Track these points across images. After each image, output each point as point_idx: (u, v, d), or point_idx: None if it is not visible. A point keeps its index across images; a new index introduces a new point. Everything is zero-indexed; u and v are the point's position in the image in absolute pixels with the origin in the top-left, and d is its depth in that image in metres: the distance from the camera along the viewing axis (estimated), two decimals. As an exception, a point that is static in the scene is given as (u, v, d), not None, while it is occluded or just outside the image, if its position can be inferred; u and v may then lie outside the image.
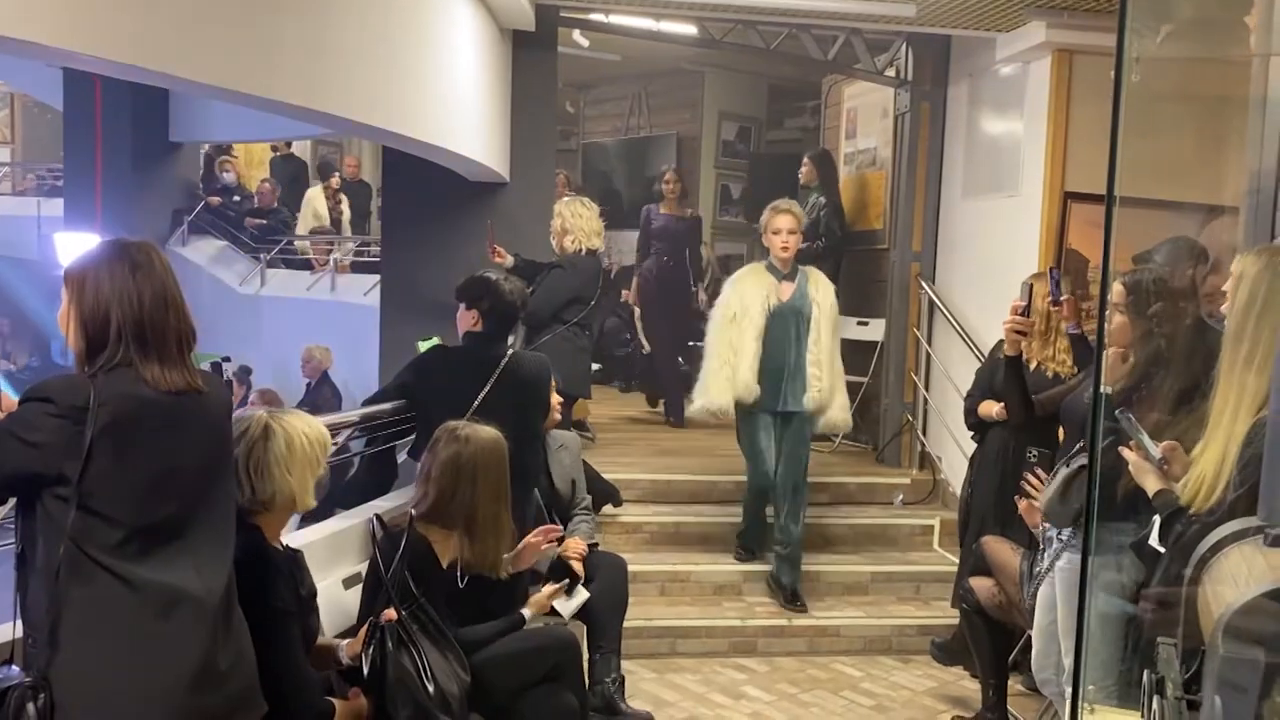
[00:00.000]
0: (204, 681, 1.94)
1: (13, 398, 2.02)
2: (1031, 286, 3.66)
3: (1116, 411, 2.53)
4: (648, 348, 7.46)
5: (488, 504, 2.91)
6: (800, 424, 4.78)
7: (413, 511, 2.94)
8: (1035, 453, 3.89)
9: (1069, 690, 3.14)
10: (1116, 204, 1.98)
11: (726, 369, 4.68)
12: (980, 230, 5.70)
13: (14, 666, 1.90)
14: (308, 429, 2.42)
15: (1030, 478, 3.78)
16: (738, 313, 4.71)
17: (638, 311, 7.57)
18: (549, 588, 3.34)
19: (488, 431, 2.99)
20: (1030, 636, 3.74)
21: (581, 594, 3.54)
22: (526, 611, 3.17)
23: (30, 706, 1.81)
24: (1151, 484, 2.42)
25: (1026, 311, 3.60)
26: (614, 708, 3.57)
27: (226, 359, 7.45)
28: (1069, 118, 4.96)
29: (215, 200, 11.47)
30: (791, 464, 4.78)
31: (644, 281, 7.28)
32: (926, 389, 6.09)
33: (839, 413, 4.85)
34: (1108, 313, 3.98)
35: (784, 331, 4.70)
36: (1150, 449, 2.45)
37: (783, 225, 4.72)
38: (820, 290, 4.77)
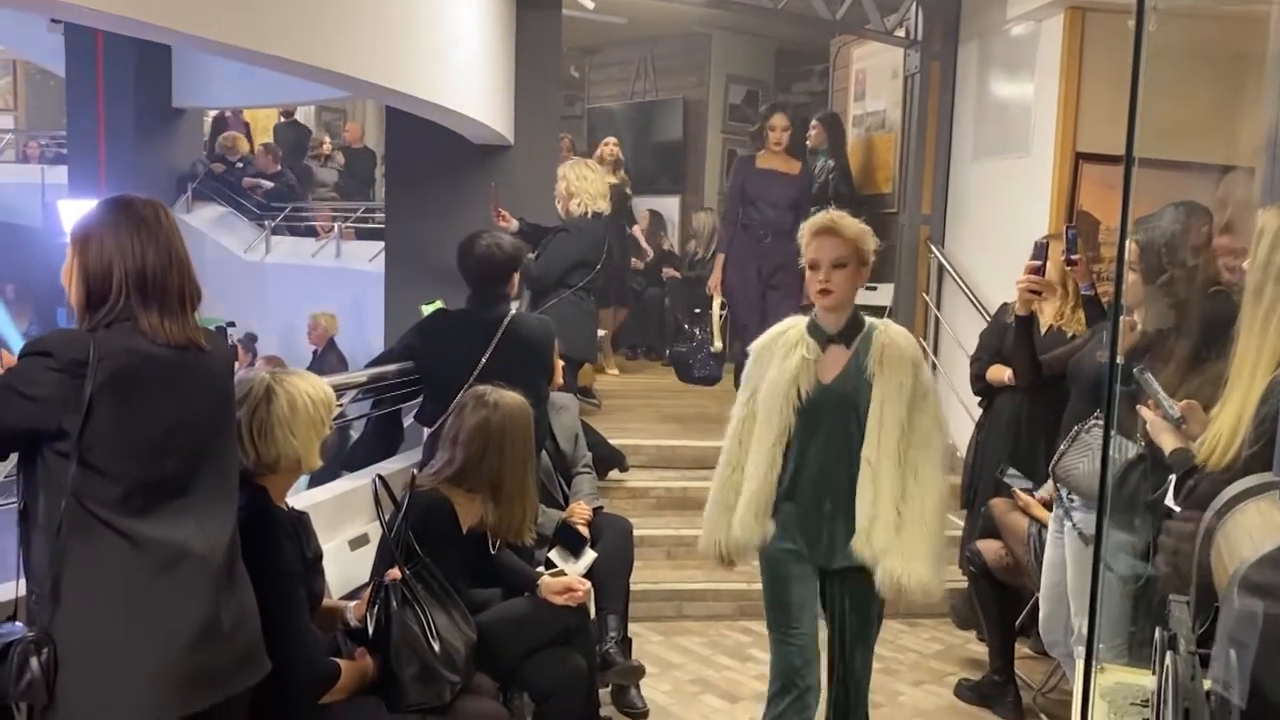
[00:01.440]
0: (207, 638, 1.93)
1: (14, 356, 2.00)
2: (1047, 246, 3.61)
3: (1134, 370, 2.50)
4: (719, 345, 5.96)
5: (514, 470, 2.90)
6: (859, 588, 2.80)
7: (415, 471, 2.91)
8: (1010, 470, 3.88)
9: (1078, 651, 3.14)
10: (1136, 164, 1.92)
11: (728, 492, 2.92)
12: (990, 192, 5.64)
13: (17, 623, 1.89)
14: (311, 389, 2.39)
15: (1019, 494, 3.76)
16: (753, 398, 2.92)
17: (718, 303, 5.91)
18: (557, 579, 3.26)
19: (514, 397, 2.96)
20: (1038, 600, 3.74)
21: (589, 555, 3.53)
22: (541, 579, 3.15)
23: (34, 661, 1.80)
24: (1169, 442, 2.39)
25: (1041, 271, 3.55)
26: (609, 661, 3.55)
27: (231, 324, 7.48)
28: (1081, 77, 4.88)
29: (219, 167, 11.42)
30: (848, 658, 2.86)
31: (734, 265, 5.70)
32: (935, 354, 6.05)
33: (922, 568, 2.71)
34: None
35: (827, 433, 2.81)
36: (1168, 407, 2.42)
37: (824, 255, 2.79)
38: (889, 362, 2.78)
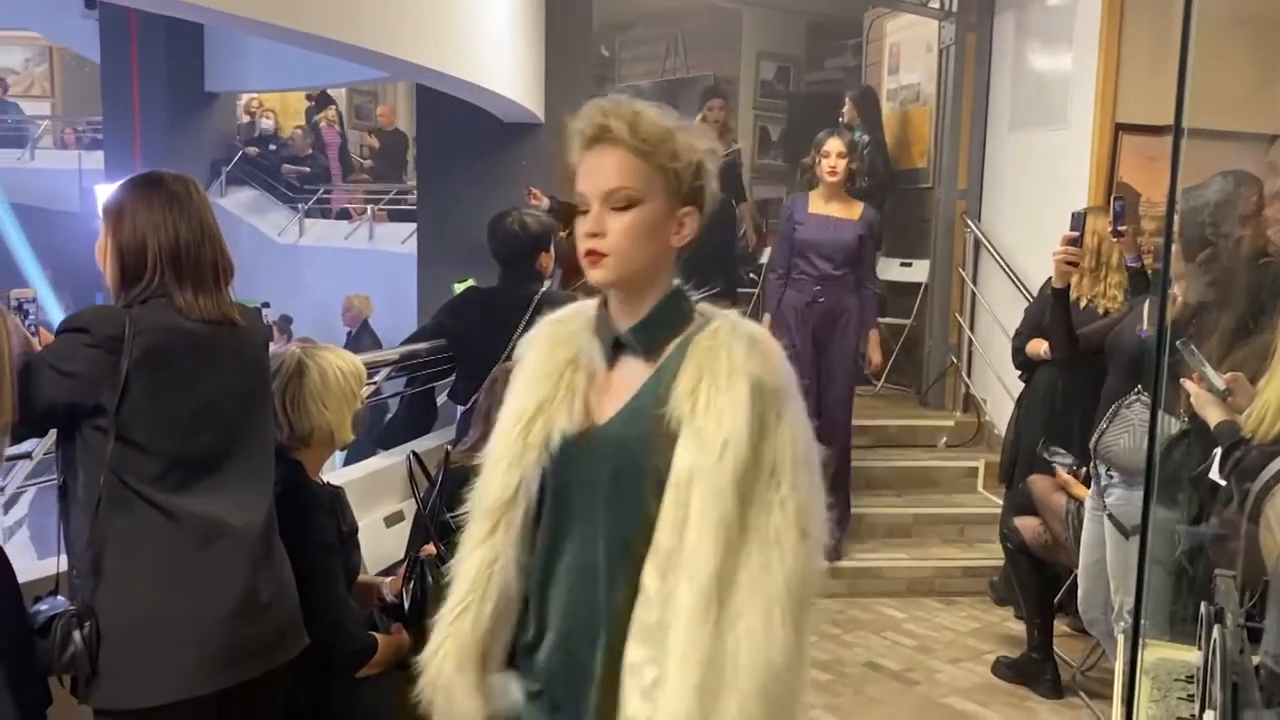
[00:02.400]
0: (245, 612, 1.94)
1: (52, 335, 2.02)
2: (1085, 216, 3.54)
3: (1178, 342, 2.44)
4: None
5: None
6: None
7: (449, 448, 2.91)
8: (1052, 447, 3.82)
9: (1118, 628, 3.10)
10: (1185, 135, 1.86)
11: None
12: (1028, 165, 5.55)
13: (59, 597, 1.91)
14: (341, 362, 2.40)
15: (1060, 471, 3.70)
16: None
17: None
18: None
19: None
20: (1076, 577, 3.70)
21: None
22: None
23: (76, 634, 1.82)
24: (1214, 415, 2.34)
25: (1078, 242, 3.48)
26: None
27: (266, 305, 7.52)
28: (1121, 45, 4.78)
29: (253, 150, 11.50)
30: None
31: (782, 328, 4.54)
32: (972, 330, 5.98)
33: None
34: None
35: (593, 517, 1.49)
36: (1213, 380, 2.37)
37: (595, 184, 1.52)
38: (713, 394, 1.42)
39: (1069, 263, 3.46)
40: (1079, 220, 3.48)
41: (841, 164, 4.58)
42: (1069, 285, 3.58)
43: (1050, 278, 4.15)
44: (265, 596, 1.99)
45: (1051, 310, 3.62)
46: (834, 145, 4.61)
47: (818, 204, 4.65)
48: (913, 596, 4.72)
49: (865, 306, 4.69)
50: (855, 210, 4.68)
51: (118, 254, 1.94)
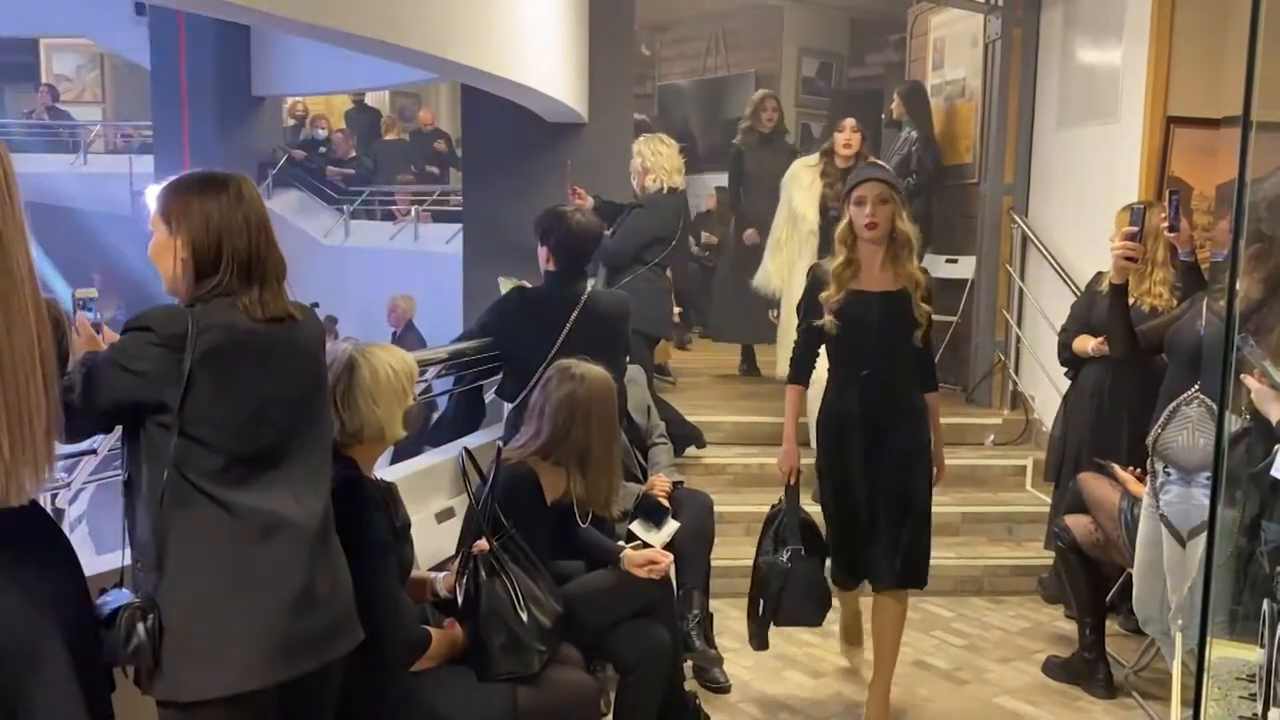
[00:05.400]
0: (304, 605, 1.97)
1: (114, 334, 2.05)
2: (1145, 210, 3.47)
3: (1238, 338, 2.40)
4: None
5: (601, 442, 2.91)
6: None
7: (500, 444, 2.94)
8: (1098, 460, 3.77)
9: (1174, 627, 3.05)
10: (1253, 128, 1.80)
11: None
12: (1076, 160, 5.48)
13: (124, 589, 1.95)
14: (393, 360, 2.43)
15: (1116, 468, 3.65)
16: None
17: None
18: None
19: (599, 370, 2.98)
20: (1129, 576, 3.65)
21: (671, 525, 3.52)
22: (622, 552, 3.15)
23: (140, 627, 1.85)
24: (1276, 411, 2.30)
25: (1138, 237, 3.40)
26: (689, 644, 3.55)
27: (315, 305, 7.62)
28: (1173, 37, 4.70)
29: (299, 153, 11.64)
30: None
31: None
32: (1019, 327, 5.92)
33: None
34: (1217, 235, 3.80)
35: None
36: (1274, 375, 2.33)
37: None
38: None
39: (1128, 258, 3.38)
40: (1139, 215, 3.41)
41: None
42: (1128, 282, 3.50)
43: (1099, 273, 4.12)
44: (323, 590, 2.02)
45: (1111, 307, 3.53)
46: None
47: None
48: (961, 595, 4.68)
49: None
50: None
51: (189, 253, 1.95)
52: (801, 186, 5.47)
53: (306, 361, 2.08)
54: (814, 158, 5.57)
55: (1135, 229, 3.36)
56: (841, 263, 3.24)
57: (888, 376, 3.28)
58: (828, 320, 3.25)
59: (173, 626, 1.88)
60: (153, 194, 2.06)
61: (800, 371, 3.43)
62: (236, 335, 1.94)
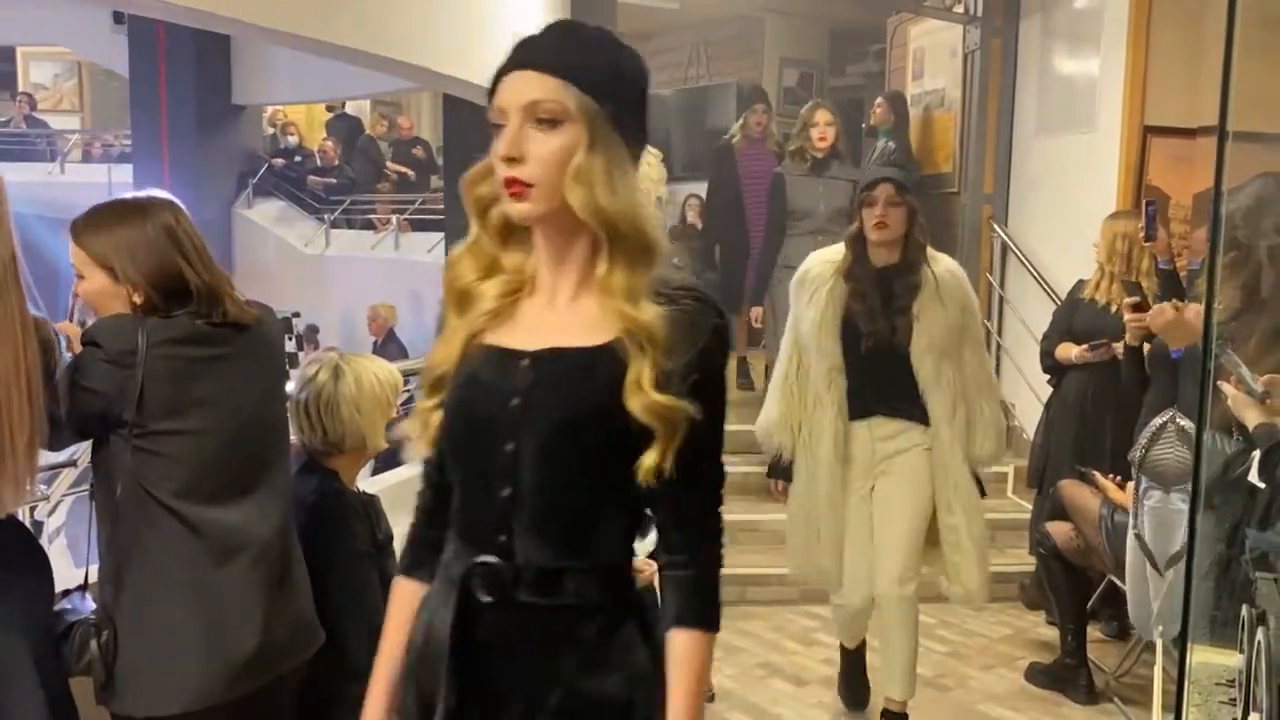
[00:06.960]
0: (265, 623, 1.94)
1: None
2: (1155, 213, 3.53)
3: (1214, 345, 2.42)
4: None
5: None
6: None
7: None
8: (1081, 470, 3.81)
9: (1155, 633, 3.08)
10: (1229, 139, 1.83)
11: None
12: (1055, 169, 5.53)
13: (86, 598, 1.93)
14: (378, 370, 2.41)
15: (1097, 475, 3.68)
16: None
17: None
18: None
19: None
20: (1110, 582, 3.67)
21: (655, 533, 3.51)
22: None
23: (93, 643, 1.84)
24: (1252, 417, 2.33)
25: (1151, 234, 3.49)
26: None
27: (296, 314, 7.60)
28: (1149, 47, 4.76)
29: (279, 162, 11.60)
30: None
31: None
32: (1000, 335, 5.95)
33: None
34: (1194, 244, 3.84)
35: None
36: (1250, 382, 2.36)
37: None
38: None
39: (1140, 326, 3.43)
40: (1152, 216, 3.49)
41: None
42: (1144, 343, 3.55)
43: (1080, 281, 4.17)
44: (284, 605, 2.00)
45: (1125, 366, 3.64)
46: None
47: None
48: (944, 603, 4.66)
49: None
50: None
51: (143, 297, 1.90)
52: (817, 300, 3.26)
53: (264, 361, 2.04)
54: (836, 249, 3.34)
55: (1143, 230, 3.47)
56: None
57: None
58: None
59: (128, 642, 1.87)
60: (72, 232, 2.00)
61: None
62: (190, 346, 1.90)
